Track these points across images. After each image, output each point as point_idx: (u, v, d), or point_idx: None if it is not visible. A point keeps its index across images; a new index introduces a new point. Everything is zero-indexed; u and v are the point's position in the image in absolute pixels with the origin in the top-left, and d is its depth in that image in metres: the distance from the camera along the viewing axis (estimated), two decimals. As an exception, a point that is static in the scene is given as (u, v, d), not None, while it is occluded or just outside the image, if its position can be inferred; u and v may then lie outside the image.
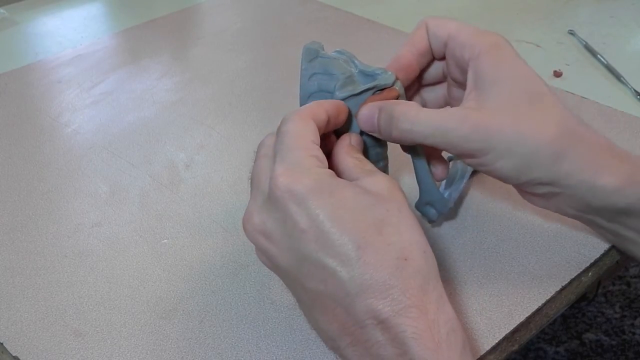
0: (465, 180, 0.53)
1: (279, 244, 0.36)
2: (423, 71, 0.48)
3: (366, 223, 0.35)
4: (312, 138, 0.37)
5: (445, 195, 0.51)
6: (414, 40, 0.46)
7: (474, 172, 0.55)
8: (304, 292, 0.36)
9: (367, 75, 0.44)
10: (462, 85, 0.45)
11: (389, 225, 0.35)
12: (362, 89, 0.43)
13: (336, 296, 0.34)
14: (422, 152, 0.46)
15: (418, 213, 0.50)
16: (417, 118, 0.41)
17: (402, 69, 0.45)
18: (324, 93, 0.44)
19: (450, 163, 0.53)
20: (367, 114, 0.43)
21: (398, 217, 0.36)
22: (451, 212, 0.52)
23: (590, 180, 0.40)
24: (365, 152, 0.45)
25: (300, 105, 0.45)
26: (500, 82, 0.41)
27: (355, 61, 0.44)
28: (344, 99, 0.43)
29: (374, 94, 0.43)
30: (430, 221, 0.50)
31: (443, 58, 0.47)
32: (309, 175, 0.35)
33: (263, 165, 0.38)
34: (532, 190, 0.43)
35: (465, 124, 0.40)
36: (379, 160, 0.47)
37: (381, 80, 0.43)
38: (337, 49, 0.45)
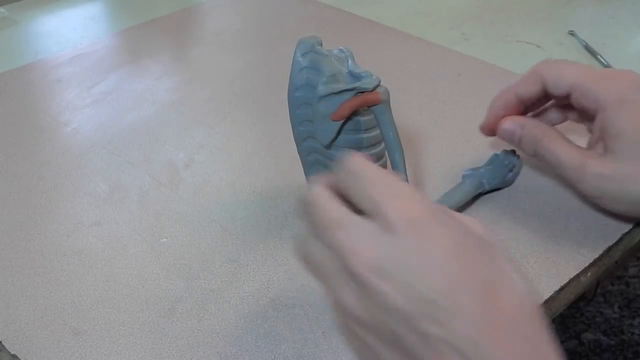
0: (463, 198, 0.51)
1: (397, 281, 0.31)
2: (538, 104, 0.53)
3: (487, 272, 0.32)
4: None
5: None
6: (522, 89, 0.51)
7: (478, 196, 0.53)
8: (414, 334, 0.31)
9: (354, 76, 0.45)
10: (587, 116, 0.51)
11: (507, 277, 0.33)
12: (342, 89, 0.44)
13: (451, 341, 0.30)
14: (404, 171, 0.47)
15: None
16: (551, 150, 0.49)
17: (502, 108, 0.51)
18: (310, 87, 0.45)
19: (462, 179, 0.53)
20: (509, 129, 0.51)
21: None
22: None
23: None
24: (362, 148, 0.46)
25: (289, 96, 0.46)
26: (623, 137, 0.46)
27: (350, 61, 0.45)
28: (324, 96, 0.44)
29: (355, 95, 0.44)
30: None
31: (564, 99, 0.50)
32: (424, 203, 0.32)
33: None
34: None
35: (586, 169, 0.47)
36: (376, 144, 0.47)
37: (362, 84, 0.44)
38: (340, 47, 0.46)
